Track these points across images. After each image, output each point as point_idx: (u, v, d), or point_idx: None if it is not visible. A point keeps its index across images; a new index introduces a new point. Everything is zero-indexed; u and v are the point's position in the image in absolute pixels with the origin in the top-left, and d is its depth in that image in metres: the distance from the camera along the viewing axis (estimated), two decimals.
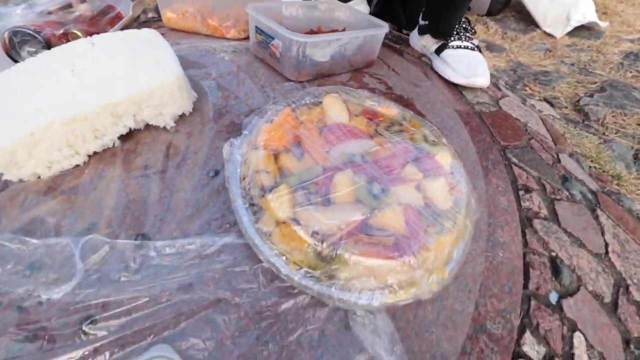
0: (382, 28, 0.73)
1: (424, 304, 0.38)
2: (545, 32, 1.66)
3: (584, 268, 0.47)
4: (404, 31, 1.11)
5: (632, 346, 0.42)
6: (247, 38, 0.81)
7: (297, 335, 0.34)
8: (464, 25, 0.81)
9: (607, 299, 0.45)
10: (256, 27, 0.69)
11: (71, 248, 0.37)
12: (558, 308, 0.42)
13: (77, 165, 0.47)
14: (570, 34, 1.63)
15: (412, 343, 0.35)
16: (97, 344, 0.31)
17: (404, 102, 0.69)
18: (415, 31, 0.90)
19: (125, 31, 0.60)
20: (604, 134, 0.98)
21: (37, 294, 0.34)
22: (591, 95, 1.13)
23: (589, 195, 0.60)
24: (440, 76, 0.82)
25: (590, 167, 0.77)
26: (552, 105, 1.12)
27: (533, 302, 0.42)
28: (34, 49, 0.67)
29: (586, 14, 1.63)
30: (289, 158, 0.42)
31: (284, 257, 0.36)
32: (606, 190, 0.65)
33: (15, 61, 0.67)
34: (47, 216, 0.41)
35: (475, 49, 0.79)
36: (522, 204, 0.54)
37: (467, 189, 0.43)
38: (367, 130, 0.48)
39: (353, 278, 0.35)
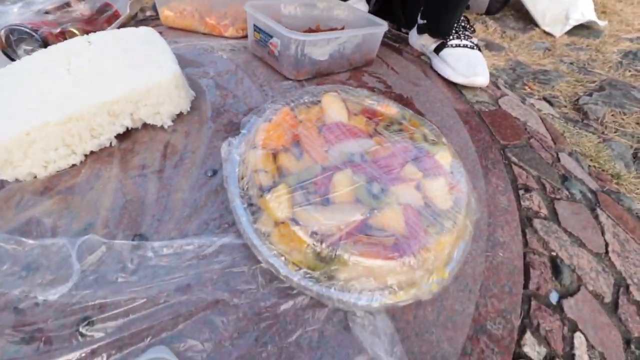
0: (381, 27, 0.73)
1: (424, 305, 0.38)
2: (544, 31, 1.66)
3: (584, 268, 0.47)
4: (403, 30, 1.11)
5: (632, 346, 0.42)
6: (245, 36, 0.81)
7: (296, 336, 0.34)
8: (462, 24, 0.81)
9: (608, 299, 0.45)
10: (254, 25, 0.68)
11: (68, 249, 0.36)
12: (558, 308, 0.42)
13: (74, 165, 0.46)
14: (569, 33, 1.63)
15: (412, 344, 0.35)
16: (94, 346, 0.31)
17: (404, 101, 0.69)
18: (415, 30, 0.90)
19: (122, 29, 0.60)
20: (603, 133, 0.98)
21: (34, 295, 0.33)
22: (590, 94, 1.13)
23: (589, 195, 0.60)
24: (439, 75, 0.81)
25: (589, 166, 0.77)
26: (551, 104, 1.12)
27: (533, 302, 0.42)
28: (31, 48, 0.66)
29: (585, 12, 1.64)
30: (288, 157, 0.42)
31: (282, 258, 0.36)
32: (606, 189, 0.65)
33: (12, 59, 0.66)
34: (43, 216, 0.40)
35: (475, 47, 0.79)
36: (522, 203, 0.53)
37: (467, 189, 0.43)
38: (367, 130, 0.48)
39: (352, 279, 0.34)
